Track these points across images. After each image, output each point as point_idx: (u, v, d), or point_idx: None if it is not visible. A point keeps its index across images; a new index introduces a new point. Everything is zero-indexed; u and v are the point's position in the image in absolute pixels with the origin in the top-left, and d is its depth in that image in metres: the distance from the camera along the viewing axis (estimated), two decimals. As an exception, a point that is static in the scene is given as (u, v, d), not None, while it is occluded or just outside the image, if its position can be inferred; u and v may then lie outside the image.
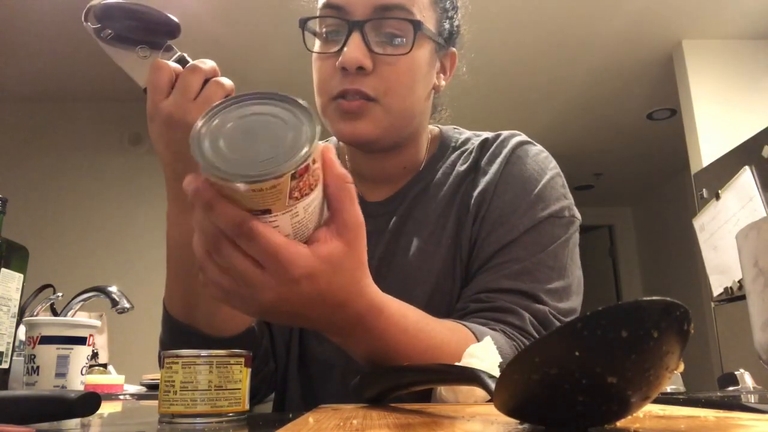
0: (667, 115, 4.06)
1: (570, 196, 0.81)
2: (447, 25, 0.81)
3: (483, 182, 0.80)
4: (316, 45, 0.78)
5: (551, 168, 0.81)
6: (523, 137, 0.85)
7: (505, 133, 0.85)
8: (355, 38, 0.72)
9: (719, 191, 2.66)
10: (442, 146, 0.87)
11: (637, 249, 6.02)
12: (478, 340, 0.65)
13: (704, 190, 2.80)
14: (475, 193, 0.79)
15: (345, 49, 0.73)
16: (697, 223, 2.80)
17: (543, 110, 4.02)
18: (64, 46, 3.73)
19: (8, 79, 4.03)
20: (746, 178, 2.51)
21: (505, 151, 0.81)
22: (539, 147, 0.84)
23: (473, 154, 0.84)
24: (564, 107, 4.01)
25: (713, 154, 2.90)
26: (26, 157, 4.21)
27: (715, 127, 3.08)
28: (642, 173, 5.21)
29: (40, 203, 4.02)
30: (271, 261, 0.43)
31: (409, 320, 0.59)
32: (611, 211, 6.05)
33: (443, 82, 0.85)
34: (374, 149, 0.80)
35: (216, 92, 0.59)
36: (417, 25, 0.74)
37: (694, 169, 3.06)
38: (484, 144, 0.85)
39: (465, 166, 0.83)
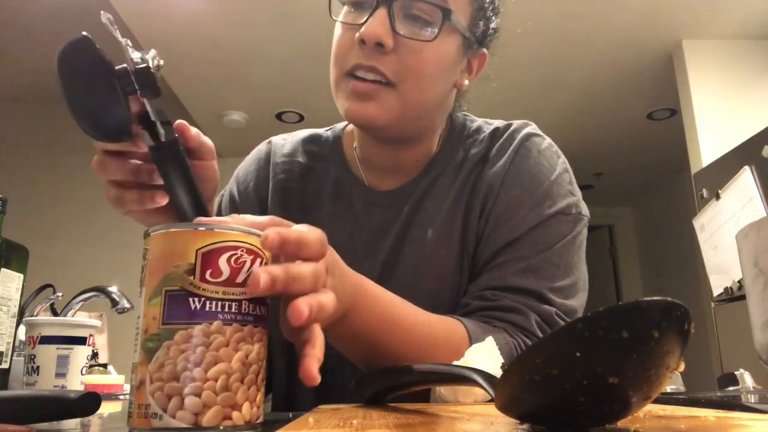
0: (667, 115, 4.06)
1: (578, 192, 0.80)
2: (482, 24, 0.79)
3: (491, 174, 0.78)
4: (342, 12, 0.75)
5: (560, 164, 0.80)
6: (533, 129, 0.83)
7: (515, 123, 0.84)
8: (381, 13, 0.70)
9: (719, 191, 2.66)
10: (454, 135, 0.85)
11: (637, 249, 6.02)
12: (470, 337, 0.65)
13: (704, 190, 2.80)
14: (483, 185, 0.78)
15: (367, 22, 0.70)
16: (697, 223, 2.80)
17: (543, 110, 4.01)
18: (64, 46, 3.73)
19: (8, 79, 4.03)
20: (746, 178, 2.51)
21: (515, 143, 0.80)
22: (549, 140, 0.83)
23: (483, 144, 0.82)
24: (564, 107, 4.00)
25: (713, 154, 2.89)
26: (26, 157, 4.21)
27: (715, 127, 3.07)
28: (642, 173, 5.21)
29: (40, 203, 4.02)
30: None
31: (393, 307, 0.60)
32: (611, 211, 6.05)
33: (466, 82, 0.82)
34: (382, 136, 0.78)
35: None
36: (447, 14, 0.71)
37: (694, 169, 3.06)
38: (494, 134, 0.83)
39: (475, 156, 0.82)
